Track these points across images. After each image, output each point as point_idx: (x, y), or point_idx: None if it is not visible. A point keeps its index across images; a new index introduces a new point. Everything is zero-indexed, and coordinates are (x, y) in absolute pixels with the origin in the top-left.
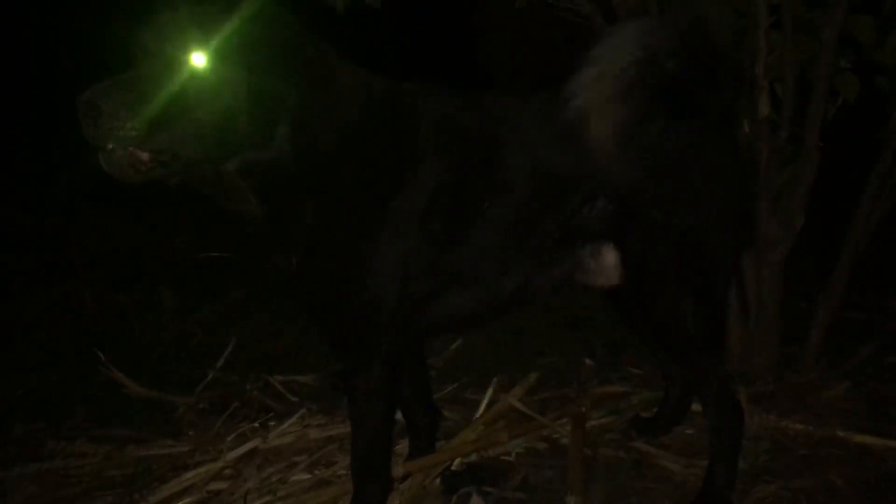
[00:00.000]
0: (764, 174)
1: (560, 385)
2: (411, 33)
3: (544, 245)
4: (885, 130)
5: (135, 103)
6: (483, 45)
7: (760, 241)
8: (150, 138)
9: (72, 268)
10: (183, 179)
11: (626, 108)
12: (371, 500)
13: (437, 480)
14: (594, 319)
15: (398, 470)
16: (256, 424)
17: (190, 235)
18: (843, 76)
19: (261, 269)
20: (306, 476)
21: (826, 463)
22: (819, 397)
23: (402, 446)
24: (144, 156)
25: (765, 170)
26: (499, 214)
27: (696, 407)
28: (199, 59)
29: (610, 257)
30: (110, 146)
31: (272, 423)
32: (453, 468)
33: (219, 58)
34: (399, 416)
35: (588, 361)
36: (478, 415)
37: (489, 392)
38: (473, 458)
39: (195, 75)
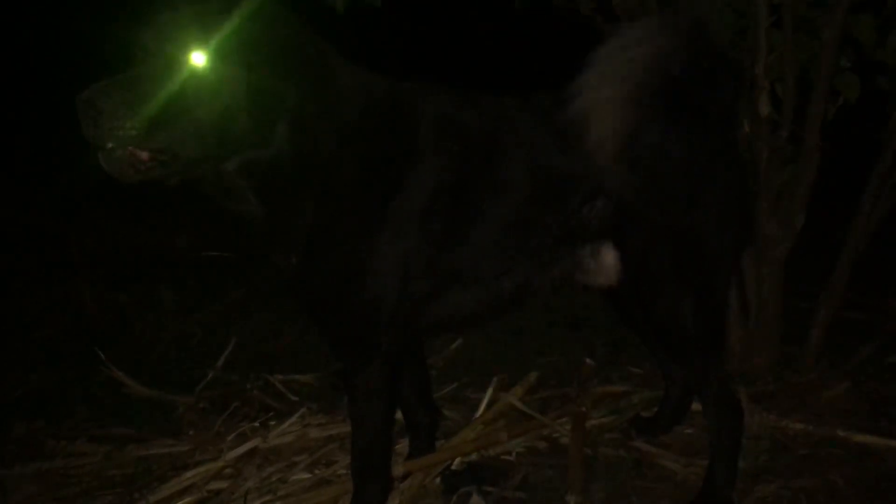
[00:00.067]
0: (764, 174)
1: (560, 384)
2: (411, 33)
3: (544, 245)
4: (886, 130)
5: (134, 103)
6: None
7: (761, 241)
8: (150, 138)
9: (72, 267)
10: (183, 179)
11: (632, 112)
12: (371, 500)
13: (438, 480)
14: (594, 319)
15: (398, 469)
16: (257, 424)
17: (190, 235)
18: (844, 76)
19: (261, 268)
20: (306, 475)
21: (826, 462)
22: (819, 397)
23: (403, 445)
24: (144, 155)
25: (765, 169)
26: (498, 214)
27: (696, 406)
28: (198, 59)
29: (609, 257)
30: (110, 145)
31: (272, 423)
32: (453, 467)
33: (218, 57)
34: (399, 415)
35: (588, 361)
36: (478, 414)
37: (489, 391)
38: (474, 457)
39: (195, 75)
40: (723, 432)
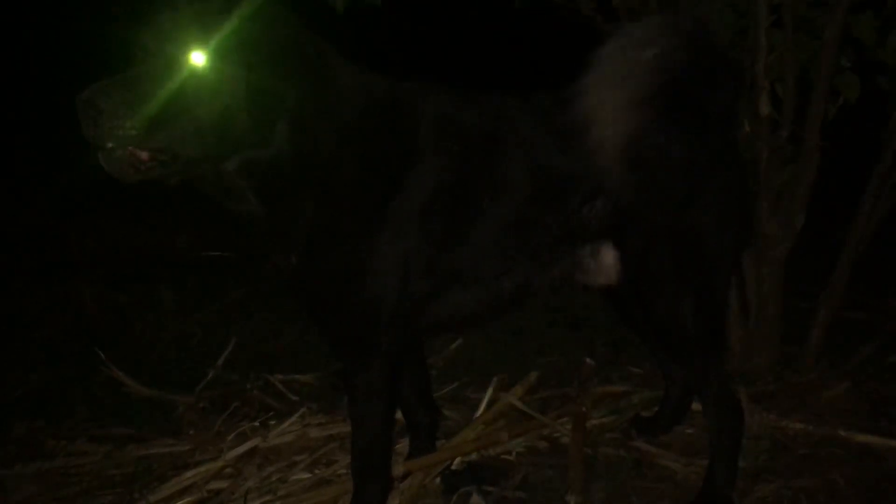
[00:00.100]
0: (764, 174)
1: (560, 384)
2: (411, 33)
3: (544, 244)
4: (886, 130)
5: (134, 102)
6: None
7: (761, 241)
8: (150, 137)
9: (72, 267)
10: (183, 179)
11: (637, 114)
12: (371, 500)
13: (438, 479)
14: (594, 319)
15: (398, 469)
16: (257, 423)
17: (190, 235)
18: (844, 76)
19: (261, 268)
20: (306, 475)
21: (826, 462)
22: (819, 397)
23: (403, 445)
24: (144, 155)
25: (765, 169)
26: (498, 214)
27: (696, 406)
28: (198, 59)
29: (609, 257)
30: (110, 145)
31: (272, 423)
32: (454, 467)
33: (218, 57)
34: (399, 415)
35: (588, 361)
36: (478, 414)
37: (489, 391)
38: (474, 457)
39: (195, 74)
40: (723, 432)
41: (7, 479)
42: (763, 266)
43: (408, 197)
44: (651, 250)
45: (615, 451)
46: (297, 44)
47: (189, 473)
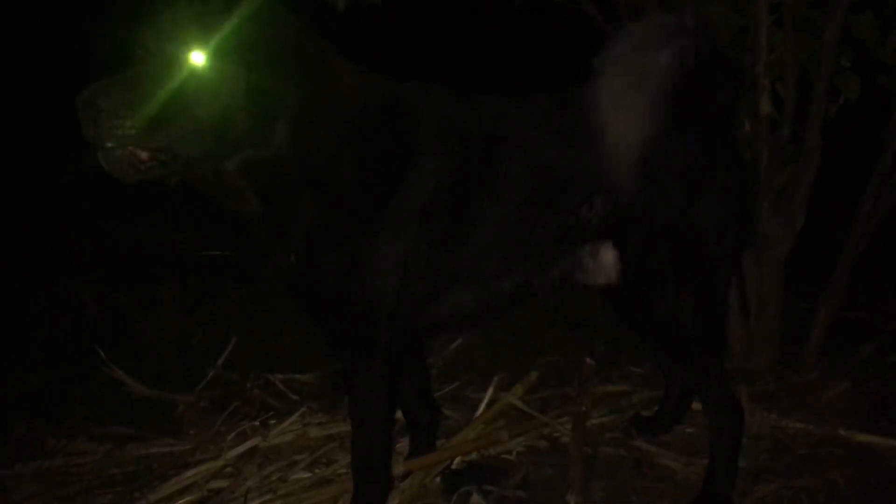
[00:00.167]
0: (765, 173)
1: (560, 384)
2: (411, 33)
3: (544, 244)
4: (886, 130)
5: (134, 102)
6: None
7: (761, 241)
8: (150, 137)
9: (72, 267)
10: (183, 178)
11: (656, 117)
12: (371, 499)
13: (438, 479)
14: (594, 318)
15: (399, 468)
16: (257, 423)
17: (190, 234)
18: (845, 75)
19: (261, 268)
20: (307, 475)
21: (827, 462)
22: (820, 396)
23: (403, 445)
24: (144, 155)
25: (766, 169)
26: (498, 214)
27: (696, 406)
28: (198, 58)
29: (609, 256)
30: (110, 145)
31: (273, 422)
32: (454, 467)
33: (218, 56)
34: (399, 414)
35: (588, 360)
36: (478, 413)
37: (490, 391)
38: (474, 456)
39: (194, 74)
40: (723, 432)
41: (7, 478)
42: (763, 266)
43: (408, 197)
44: (651, 250)
45: (615, 451)
46: (297, 44)
47: (189, 473)
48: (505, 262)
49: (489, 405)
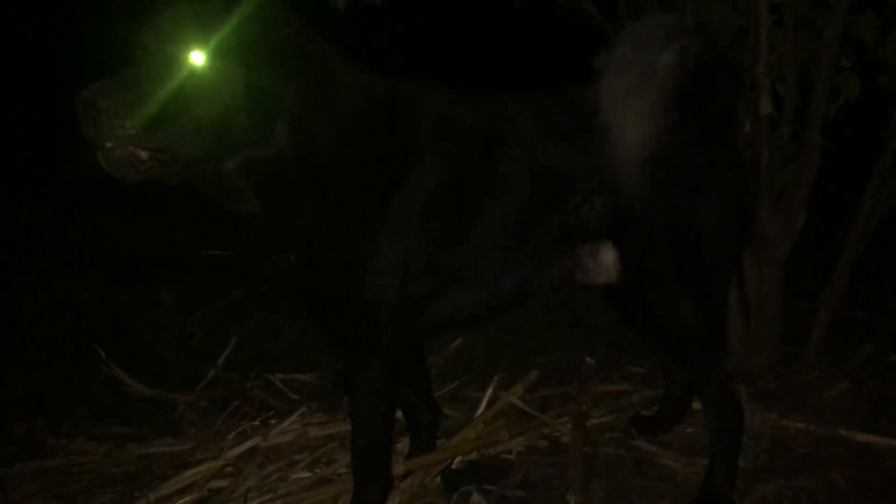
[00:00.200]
0: (765, 173)
1: (560, 383)
2: (411, 33)
3: (544, 244)
4: (886, 130)
5: (134, 102)
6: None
7: (761, 241)
8: (150, 137)
9: (72, 267)
10: (183, 178)
11: (660, 118)
12: (371, 499)
13: (438, 479)
14: (595, 318)
15: (399, 468)
16: (257, 423)
17: (190, 234)
18: (845, 75)
19: (261, 267)
20: (307, 474)
21: (827, 462)
22: (820, 396)
23: (403, 444)
24: (144, 155)
25: (766, 169)
26: (498, 213)
27: (696, 405)
28: (198, 58)
29: (609, 256)
30: (110, 145)
31: (273, 422)
32: (454, 466)
33: (218, 56)
34: (399, 414)
35: (588, 360)
36: (478, 413)
37: (490, 390)
38: (474, 456)
39: (194, 74)
40: (723, 431)
41: (7, 477)
42: (763, 266)
43: (408, 197)
44: (651, 250)
45: (615, 451)
46: (296, 43)
47: (189, 472)
48: (505, 262)
49: (489, 405)
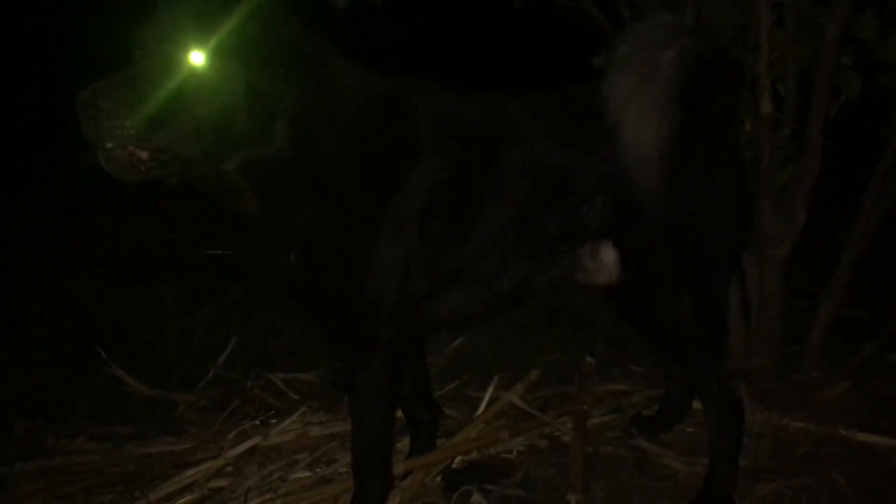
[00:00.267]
0: (766, 173)
1: (561, 383)
2: (411, 32)
3: (543, 244)
4: (887, 129)
5: (134, 102)
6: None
7: (762, 241)
8: (150, 137)
9: (73, 266)
10: (182, 178)
11: (667, 116)
12: (372, 498)
13: (438, 478)
14: (595, 317)
15: (399, 468)
16: (257, 422)
17: (191, 233)
18: (846, 74)
19: (261, 267)
20: (307, 474)
21: (827, 461)
22: (820, 396)
23: (403, 444)
24: (144, 155)
25: (767, 168)
26: (498, 213)
27: (697, 405)
28: (198, 58)
29: (609, 256)
30: (109, 145)
31: (273, 421)
32: (454, 466)
33: (217, 56)
34: (399, 413)
35: (589, 359)
36: (479, 413)
37: (490, 390)
38: (474, 455)
39: (194, 73)
40: (723, 431)
41: (7, 477)
42: (764, 265)
43: (407, 196)
44: (651, 249)
45: (616, 450)
46: (296, 43)
47: (190, 472)
48: (505, 262)
49: (490, 404)
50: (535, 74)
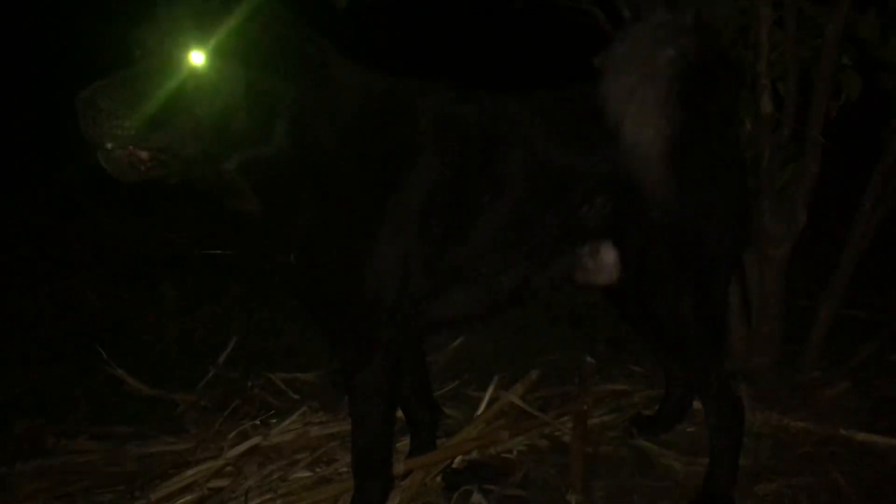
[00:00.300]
0: (766, 173)
1: (561, 383)
2: (411, 32)
3: (543, 243)
4: (888, 129)
5: (133, 101)
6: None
7: (762, 240)
8: (149, 136)
9: (73, 265)
10: (182, 178)
11: (668, 114)
12: (372, 498)
13: (439, 478)
14: (595, 317)
15: (399, 467)
16: (258, 422)
17: (191, 233)
18: (846, 74)
19: (261, 266)
20: (307, 473)
21: (828, 461)
22: (821, 395)
23: (404, 444)
24: (144, 154)
25: (767, 168)
26: (498, 212)
27: (697, 405)
28: (197, 57)
29: (609, 255)
30: (109, 145)
31: (273, 421)
32: (454, 466)
33: (217, 55)
34: (399, 413)
35: (589, 359)
36: (479, 412)
37: (490, 389)
38: (474, 455)
39: (194, 73)
40: (723, 431)
41: (7, 476)
42: (764, 265)
43: (407, 195)
44: (651, 249)
45: (616, 450)
46: (296, 43)
47: (190, 472)
48: (504, 261)
49: (490, 404)
50: (535, 74)
